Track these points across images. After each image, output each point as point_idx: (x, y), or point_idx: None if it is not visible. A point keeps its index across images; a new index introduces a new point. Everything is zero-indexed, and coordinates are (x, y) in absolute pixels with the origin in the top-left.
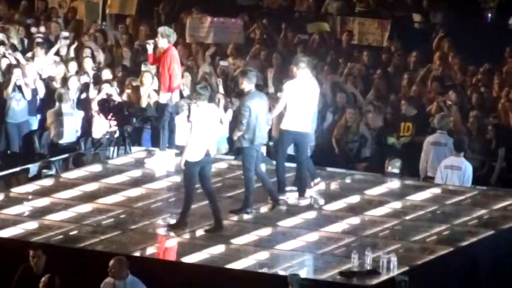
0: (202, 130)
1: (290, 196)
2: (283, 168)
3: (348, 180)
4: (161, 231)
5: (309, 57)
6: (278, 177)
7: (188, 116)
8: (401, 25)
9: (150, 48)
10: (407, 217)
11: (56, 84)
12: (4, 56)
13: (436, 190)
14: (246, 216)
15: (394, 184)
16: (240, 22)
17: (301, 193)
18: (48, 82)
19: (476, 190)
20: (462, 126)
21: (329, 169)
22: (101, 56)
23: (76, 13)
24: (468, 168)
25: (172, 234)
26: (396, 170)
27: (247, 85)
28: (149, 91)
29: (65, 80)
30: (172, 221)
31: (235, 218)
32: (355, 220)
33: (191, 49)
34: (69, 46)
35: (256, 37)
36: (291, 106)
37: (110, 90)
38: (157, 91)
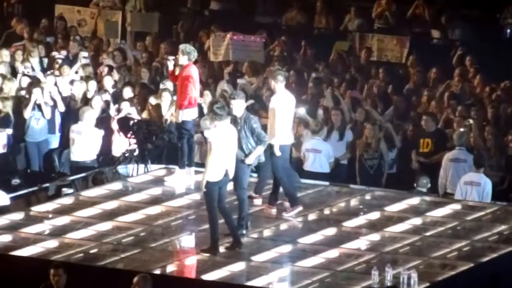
0: (222, 150)
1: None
2: (292, 182)
3: (368, 197)
4: (181, 248)
5: (281, 70)
6: (290, 192)
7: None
8: (420, 41)
9: (170, 64)
10: (428, 233)
11: (77, 103)
12: (24, 74)
13: (456, 206)
14: (266, 233)
15: (414, 200)
16: (261, 40)
17: (272, 203)
18: (69, 101)
19: (496, 205)
20: (481, 143)
21: (347, 185)
22: (116, 76)
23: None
24: (487, 184)
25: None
26: (424, 189)
27: (243, 107)
28: (172, 109)
29: (86, 99)
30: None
31: (255, 235)
32: (375, 237)
33: (209, 67)
34: (85, 66)
35: (274, 54)
36: (281, 121)
37: (130, 108)
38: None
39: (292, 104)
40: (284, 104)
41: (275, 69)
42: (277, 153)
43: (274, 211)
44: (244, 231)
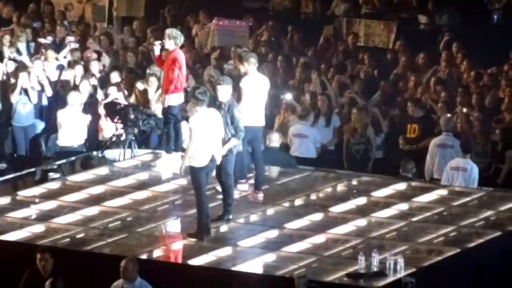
0: (204, 136)
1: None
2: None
3: (354, 182)
4: (168, 233)
5: (252, 52)
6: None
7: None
8: (407, 26)
9: (157, 49)
10: (414, 219)
11: (65, 90)
12: (10, 59)
13: (443, 192)
14: (252, 219)
15: (400, 186)
16: (246, 24)
17: (258, 187)
18: (59, 89)
19: (483, 191)
20: (468, 128)
21: (334, 170)
22: (106, 60)
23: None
24: (474, 169)
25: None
26: (409, 174)
27: (229, 93)
28: (158, 94)
29: (74, 85)
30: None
31: (241, 220)
32: (361, 222)
33: (196, 52)
34: (74, 51)
35: (261, 39)
36: (248, 102)
37: (117, 93)
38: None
39: (264, 87)
40: (254, 85)
41: (242, 50)
42: None
43: (260, 196)
44: (231, 216)
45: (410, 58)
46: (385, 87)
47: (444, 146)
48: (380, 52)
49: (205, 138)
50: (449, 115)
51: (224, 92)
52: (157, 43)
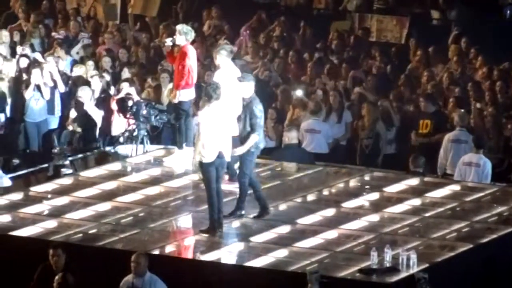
0: (213, 132)
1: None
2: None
3: (367, 178)
4: (180, 229)
5: (230, 46)
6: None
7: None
8: (420, 22)
9: (168, 45)
10: (427, 214)
11: (76, 86)
12: (23, 55)
13: (456, 187)
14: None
15: (413, 181)
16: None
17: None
18: (71, 86)
19: (496, 186)
20: (481, 123)
21: (346, 166)
22: (124, 55)
23: (96, 13)
24: (487, 164)
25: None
26: (420, 169)
27: (251, 89)
28: (168, 89)
29: (87, 80)
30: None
31: (253, 216)
32: (374, 218)
33: (208, 47)
34: (86, 47)
35: (274, 35)
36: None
37: (130, 89)
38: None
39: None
40: (225, 79)
41: (223, 43)
42: None
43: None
44: (243, 212)
45: (423, 53)
46: (401, 83)
47: (458, 141)
48: (392, 47)
49: (213, 134)
50: (462, 110)
51: (246, 88)
52: (168, 40)
